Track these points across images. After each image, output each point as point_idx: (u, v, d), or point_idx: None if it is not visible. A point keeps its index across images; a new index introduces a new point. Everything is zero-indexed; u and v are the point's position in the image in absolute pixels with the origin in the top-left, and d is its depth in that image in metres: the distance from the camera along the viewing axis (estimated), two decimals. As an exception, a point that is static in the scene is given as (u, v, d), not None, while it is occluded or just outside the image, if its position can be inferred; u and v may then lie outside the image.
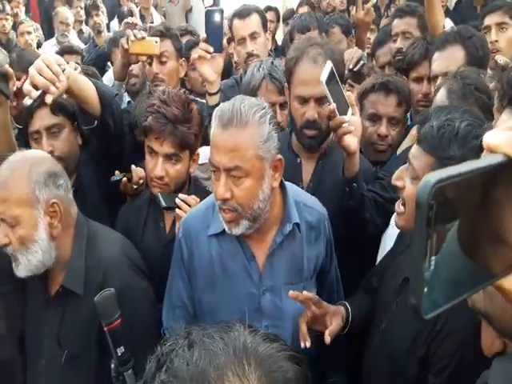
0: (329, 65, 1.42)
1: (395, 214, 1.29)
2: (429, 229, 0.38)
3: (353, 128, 1.42)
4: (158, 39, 2.11)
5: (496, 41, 2.28)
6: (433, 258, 0.38)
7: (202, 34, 1.88)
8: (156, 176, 1.57)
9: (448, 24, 2.25)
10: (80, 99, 1.59)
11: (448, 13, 4.51)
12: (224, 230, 1.29)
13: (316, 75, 1.52)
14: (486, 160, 0.40)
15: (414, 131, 1.57)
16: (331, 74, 1.40)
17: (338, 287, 1.53)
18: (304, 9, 4.38)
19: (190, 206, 1.53)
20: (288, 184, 1.39)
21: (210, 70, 1.82)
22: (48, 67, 1.38)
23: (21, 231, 1.35)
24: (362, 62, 2.26)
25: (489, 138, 0.41)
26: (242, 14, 2.40)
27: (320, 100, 1.56)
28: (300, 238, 1.36)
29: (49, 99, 1.38)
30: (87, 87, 1.59)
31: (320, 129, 1.60)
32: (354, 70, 2.24)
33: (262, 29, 2.37)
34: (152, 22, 5.08)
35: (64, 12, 4.46)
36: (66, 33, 4.33)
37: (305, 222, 1.37)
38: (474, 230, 0.42)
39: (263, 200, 1.24)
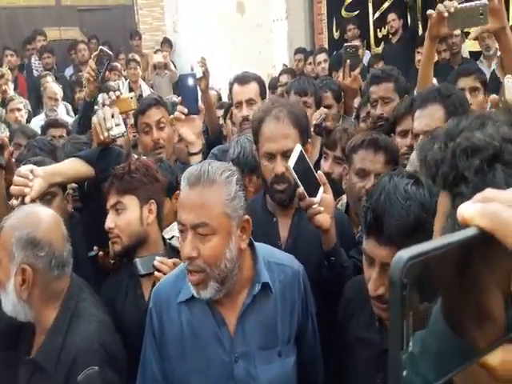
0: (298, 148, 1.47)
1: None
2: (404, 308, 0.36)
3: (322, 208, 1.45)
4: (133, 94, 2.19)
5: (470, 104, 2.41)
6: (410, 338, 0.36)
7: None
8: (107, 228, 1.64)
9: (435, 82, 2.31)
10: (68, 181, 1.74)
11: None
12: (194, 295, 1.26)
13: (280, 131, 1.62)
14: (460, 233, 0.39)
15: None
16: (300, 157, 1.45)
17: (315, 345, 1.47)
18: (285, 77, 4.51)
19: (169, 267, 1.54)
20: (260, 245, 1.38)
21: (188, 131, 1.90)
22: (18, 176, 1.58)
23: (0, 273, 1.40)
24: (323, 116, 2.40)
25: (463, 211, 0.40)
26: (242, 80, 2.53)
27: (285, 153, 1.61)
28: (273, 300, 1.33)
29: (27, 200, 1.55)
30: (68, 168, 1.76)
31: (289, 182, 1.64)
32: (316, 123, 2.39)
33: (259, 96, 2.50)
34: (141, 94, 5.20)
35: (52, 87, 4.57)
36: (55, 107, 4.41)
37: (278, 281, 1.34)
38: (458, 306, 0.40)
39: (231, 260, 1.22)
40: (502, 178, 0.49)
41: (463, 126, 0.58)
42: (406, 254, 0.36)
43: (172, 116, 1.94)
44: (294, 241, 1.70)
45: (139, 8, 8.50)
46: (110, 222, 1.63)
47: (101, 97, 2.22)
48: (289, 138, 1.63)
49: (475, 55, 5.15)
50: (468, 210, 0.40)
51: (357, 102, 3.16)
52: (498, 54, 4.64)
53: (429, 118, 1.85)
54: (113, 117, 1.73)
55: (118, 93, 2.14)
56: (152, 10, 8.51)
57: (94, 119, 1.69)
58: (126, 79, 6.01)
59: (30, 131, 3.29)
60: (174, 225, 1.80)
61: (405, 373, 0.36)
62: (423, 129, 1.85)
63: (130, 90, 5.46)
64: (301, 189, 1.43)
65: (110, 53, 2.40)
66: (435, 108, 1.87)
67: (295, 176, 1.42)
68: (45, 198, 1.80)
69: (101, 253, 1.76)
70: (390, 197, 1.12)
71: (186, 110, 1.85)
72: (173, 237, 1.78)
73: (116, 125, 1.68)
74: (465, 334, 0.40)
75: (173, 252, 1.68)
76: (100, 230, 1.75)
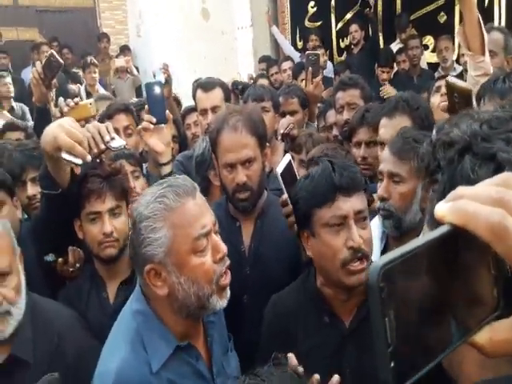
0: (287, 157, 1.51)
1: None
2: (384, 309, 0.40)
3: None
4: (92, 100, 2.10)
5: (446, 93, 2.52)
6: (394, 333, 0.40)
7: None
8: (106, 233, 1.57)
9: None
10: (59, 164, 1.51)
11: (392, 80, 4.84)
12: (173, 354, 1.17)
13: (238, 141, 1.63)
14: (435, 232, 0.43)
15: None
16: (288, 166, 1.49)
17: None
18: (264, 81, 4.57)
19: None
20: None
21: (157, 141, 1.81)
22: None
23: (15, 279, 1.36)
24: (291, 126, 2.45)
25: (436, 210, 0.44)
26: (206, 86, 2.51)
27: (246, 162, 1.63)
28: None
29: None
30: None
31: (251, 190, 1.65)
32: (285, 132, 2.43)
33: (223, 102, 2.48)
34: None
35: None
36: None
37: None
38: (448, 297, 0.43)
39: None
40: (468, 166, 0.54)
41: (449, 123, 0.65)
42: (380, 261, 0.40)
43: (140, 126, 1.83)
44: (258, 246, 1.70)
45: (101, 11, 8.35)
46: (110, 226, 1.59)
47: (62, 101, 2.14)
48: (247, 147, 1.63)
49: (433, 67, 5.34)
50: (440, 208, 0.44)
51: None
52: (455, 66, 4.83)
53: (396, 128, 1.89)
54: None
55: (76, 99, 2.07)
56: (115, 13, 8.37)
57: (85, 133, 1.59)
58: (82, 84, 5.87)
59: None
60: None
61: (392, 364, 0.40)
62: (389, 139, 1.89)
63: (88, 94, 5.34)
64: (285, 196, 1.46)
65: (61, 61, 2.33)
66: (403, 119, 1.92)
67: (282, 183, 1.45)
68: None
69: (60, 260, 1.69)
70: (339, 163, 1.31)
71: (154, 120, 1.78)
72: None
73: (112, 138, 1.60)
74: (456, 316, 0.44)
75: None
76: (58, 237, 1.67)
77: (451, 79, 1.67)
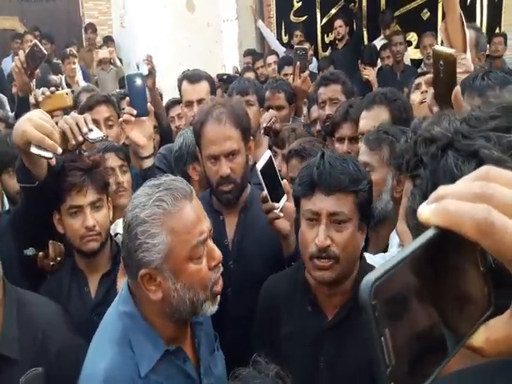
0: (267, 154, 1.51)
1: None
2: (379, 328, 0.38)
3: (281, 214, 1.48)
4: (69, 91, 2.08)
5: (426, 91, 2.54)
6: (391, 352, 0.38)
7: None
8: (89, 227, 1.54)
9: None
10: (33, 158, 1.46)
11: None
12: (161, 357, 1.16)
13: (222, 133, 1.63)
14: (421, 238, 0.41)
15: None
16: (268, 162, 1.49)
17: None
18: (251, 74, 4.55)
19: None
20: None
21: (138, 134, 1.78)
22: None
23: None
24: (273, 119, 2.45)
25: (419, 214, 0.42)
26: (193, 78, 2.48)
27: (230, 155, 1.63)
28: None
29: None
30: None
31: (235, 182, 1.66)
32: (268, 125, 2.43)
33: (209, 95, 2.47)
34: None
35: None
36: None
37: None
38: (440, 302, 0.42)
39: None
40: (452, 162, 0.54)
41: (425, 122, 0.66)
42: (371, 276, 0.38)
43: (121, 119, 1.81)
44: (241, 239, 1.70)
45: (84, 1, 8.22)
46: (92, 219, 1.56)
47: (38, 90, 2.11)
48: (231, 139, 1.63)
49: (416, 63, 5.40)
50: (423, 211, 0.42)
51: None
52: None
53: (374, 119, 1.93)
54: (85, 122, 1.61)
55: (52, 89, 2.03)
56: (98, 3, 8.25)
57: (63, 124, 1.56)
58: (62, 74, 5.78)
59: None
60: (118, 222, 1.76)
61: None
62: (368, 129, 1.92)
63: (67, 85, 5.25)
64: (265, 192, 1.47)
65: (44, 51, 2.29)
66: (381, 110, 1.96)
67: (262, 179, 1.45)
68: None
69: (40, 254, 1.67)
70: (330, 159, 1.30)
71: (134, 112, 1.76)
72: (117, 234, 1.74)
73: (89, 130, 1.58)
74: (449, 324, 0.42)
75: (118, 249, 1.63)
76: (37, 230, 1.63)
77: (437, 47, 1.69)
